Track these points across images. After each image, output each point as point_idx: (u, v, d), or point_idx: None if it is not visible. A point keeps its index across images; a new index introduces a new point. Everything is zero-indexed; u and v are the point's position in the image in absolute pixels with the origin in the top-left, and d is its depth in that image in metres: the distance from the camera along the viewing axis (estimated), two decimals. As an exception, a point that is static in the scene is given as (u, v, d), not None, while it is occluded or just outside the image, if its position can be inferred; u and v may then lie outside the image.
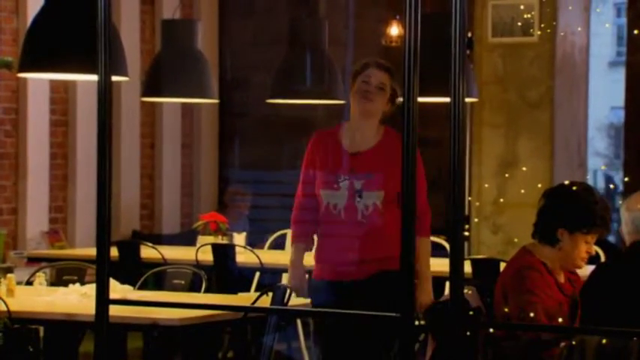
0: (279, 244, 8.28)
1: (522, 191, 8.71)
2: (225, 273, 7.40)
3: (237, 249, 7.56)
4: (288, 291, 4.80)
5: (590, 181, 11.54)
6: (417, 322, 4.29)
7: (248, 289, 7.28)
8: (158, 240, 8.86)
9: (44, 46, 5.26)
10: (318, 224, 4.73)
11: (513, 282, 4.34)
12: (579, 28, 8.96)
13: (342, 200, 4.65)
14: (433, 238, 7.58)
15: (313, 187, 4.73)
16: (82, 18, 5.09)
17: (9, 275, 5.65)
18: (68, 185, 9.38)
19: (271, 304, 5.01)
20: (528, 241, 4.49)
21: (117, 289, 5.41)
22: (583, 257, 4.41)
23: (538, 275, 4.33)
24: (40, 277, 5.90)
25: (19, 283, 5.85)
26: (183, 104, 10.10)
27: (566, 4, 8.89)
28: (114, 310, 3.33)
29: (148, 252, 7.59)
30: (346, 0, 10.10)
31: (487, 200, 9.01)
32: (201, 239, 7.82)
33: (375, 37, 9.42)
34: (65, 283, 5.85)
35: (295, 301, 4.95)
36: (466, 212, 8.88)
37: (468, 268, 6.55)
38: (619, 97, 9.34)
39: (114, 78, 5.09)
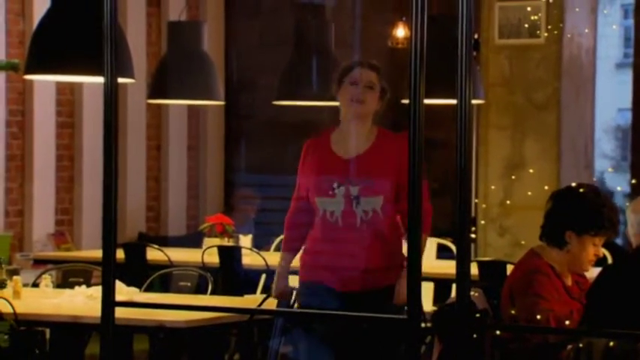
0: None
1: (529, 193, 8.69)
2: (231, 275, 7.40)
3: (244, 251, 7.56)
4: (294, 293, 4.77)
5: (596, 182, 11.52)
6: (423, 325, 4.27)
7: (254, 292, 7.28)
8: (164, 242, 8.86)
9: (50, 48, 5.26)
10: (314, 230, 4.62)
11: (521, 285, 4.33)
12: (586, 30, 8.95)
13: (338, 207, 4.53)
14: (440, 241, 7.60)
15: (306, 193, 4.64)
16: (88, 20, 5.10)
17: (15, 277, 5.65)
18: (74, 187, 9.38)
19: (277, 306, 5.01)
20: (535, 243, 4.48)
21: (123, 292, 5.41)
22: (591, 260, 4.41)
23: (546, 279, 4.32)
24: (46, 279, 5.90)
25: (25, 285, 5.85)
26: (190, 106, 10.10)
27: (573, 5, 8.87)
28: (120, 313, 3.33)
29: (154, 254, 7.59)
30: (352, 2, 10.10)
31: (494, 202, 9.00)
32: (208, 241, 7.82)
33: (381, 38, 9.41)
34: (71, 285, 5.85)
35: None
36: (473, 214, 8.88)
37: (474, 270, 6.54)
38: (626, 98, 9.33)
39: (120, 80, 5.08)
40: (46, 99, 9.11)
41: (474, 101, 3.03)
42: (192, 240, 8.79)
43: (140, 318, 5.00)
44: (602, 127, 13.76)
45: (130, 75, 5.41)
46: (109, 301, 3.23)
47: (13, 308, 5.07)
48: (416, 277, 2.97)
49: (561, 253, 4.38)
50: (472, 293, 4.33)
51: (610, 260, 6.75)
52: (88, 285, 5.81)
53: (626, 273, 4.30)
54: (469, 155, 2.92)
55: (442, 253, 7.58)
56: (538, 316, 4.21)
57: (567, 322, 4.25)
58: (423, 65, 2.92)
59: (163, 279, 6.50)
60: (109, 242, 3.23)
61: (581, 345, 3.89)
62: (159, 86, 7.57)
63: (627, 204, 4.47)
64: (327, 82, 7.92)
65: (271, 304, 5.13)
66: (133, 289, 5.61)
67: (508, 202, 8.90)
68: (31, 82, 8.73)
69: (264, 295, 5.52)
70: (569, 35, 8.83)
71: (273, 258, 7.46)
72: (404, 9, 7.71)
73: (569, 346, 4.00)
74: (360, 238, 4.52)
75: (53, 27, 5.28)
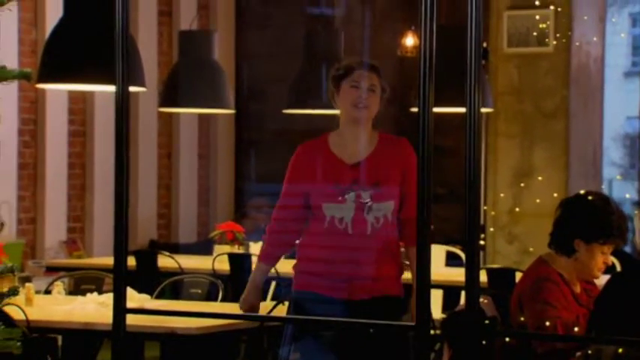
0: (294, 255, 8.26)
1: (538, 201, 8.68)
2: (241, 282, 7.38)
3: (254, 258, 7.55)
4: (289, 304, 4.62)
5: (605, 190, 11.50)
6: (432, 332, 4.25)
7: (264, 299, 7.27)
8: (175, 249, 8.87)
9: (63, 58, 5.28)
10: (312, 237, 4.42)
11: (530, 293, 4.32)
12: (595, 38, 8.94)
13: (348, 213, 4.33)
14: (449, 248, 7.59)
15: (302, 200, 4.42)
16: (100, 29, 5.11)
17: (27, 284, 5.66)
18: (86, 195, 9.40)
19: (287, 313, 5.00)
20: (544, 250, 4.47)
21: (134, 298, 5.42)
22: (600, 267, 4.39)
23: (554, 287, 4.31)
24: (59, 286, 5.91)
25: (37, 292, 5.86)
26: (200, 115, 10.11)
27: (581, 14, 8.87)
28: (131, 319, 3.33)
29: (165, 261, 7.59)
30: (362, 12, 10.11)
31: (503, 210, 8.98)
32: (218, 249, 7.82)
33: (390, 47, 9.42)
34: (83, 292, 5.86)
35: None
36: (482, 222, 8.87)
37: (483, 277, 6.52)
38: (634, 107, 9.32)
39: (131, 89, 5.11)
40: (58, 108, 9.13)
41: (482, 109, 3.03)
42: (203, 247, 8.79)
43: (151, 325, 5.00)
44: (610, 135, 13.73)
45: (142, 84, 5.42)
46: (120, 308, 3.23)
47: (25, 315, 5.07)
48: (425, 284, 2.96)
49: (570, 260, 4.37)
50: (481, 300, 4.32)
51: (619, 268, 6.73)
52: (100, 292, 5.82)
53: (634, 281, 4.29)
54: (478, 163, 2.92)
55: (451, 260, 7.57)
56: (547, 323, 4.20)
57: (576, 329, 4.24)
58: (432, 74, 2.92)
59: (174, 286, 6.50)
60: (120, 249, 3.24)
61: (590, 352, 3.88)
62: (170, 95, 7.58)
63: (635, 212, 4.47)
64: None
65: (281, 311, 5.12)
66: (144, 296, 5.62)
67: (517, 209, 8.89)
68: (43, 91, 8.75)
69: (274, 303, 5.52)
70: (577, 43, 8.82)
71: (283, 266, 7.45)
72: (413, 18, 7.71)
73: (578, 353, 3.99)
74: (371, 244, 4.36)
75: (65, 36, 5.29)
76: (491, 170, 9.03)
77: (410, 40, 9.30)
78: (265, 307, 5.80)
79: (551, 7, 8.76)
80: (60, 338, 5.63)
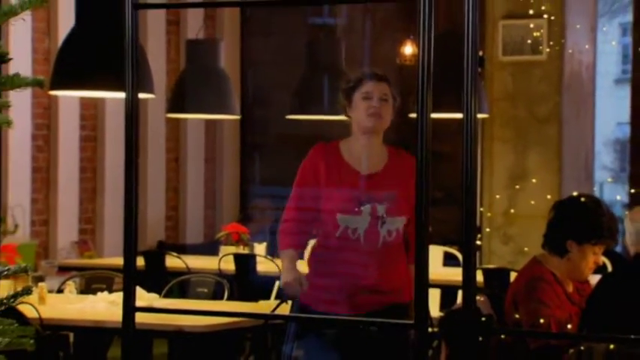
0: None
1: (532, 203, 8.67)
2: (246, 281, 7.40)
3: (258, 259, 7.56)
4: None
5: (596, 193, 11.49)
6: (430, 330, 4.23)
7: (268, 297, 7.27)
8: (182, 250, 8.87)
9: (74, 66, 5.28)
10: (328, 247, 4.19)
11: (524, 292, 4.32)
12: (586, 47, 8.94)
13: (363, 225, 4.14)
14: (446, 249, 7.58)
15: (312, 202, 4.21)
16: (111, 38, 5.12)
17: (40, 284, 5.66)
18: (97, 198, 9.40)
19: (290, 311, 4.99)
20: (538, 250, 4.47)
21: (143, 297, 5.41)
22: (591, 267, 4.39)
23: (548, 286, 4.31)
24: (70, 286, 5.91)
25: (50, 291, 5.86)
26: (207, 120, 10.12)
27: (573, 23, 8.86)
28: (140, 318, 3.33)
29: (172, 261, 7.59)
30: (362, 21, 10.11)
31: (498, 211, 8.98)
32: (224, 249, 7.82)
33: (390, 56, 9.42)
34: (94, 291, 5.86)
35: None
36: (478, 223, 8.86)
37: (479, 277, 6.52)
38: (625, 113, 9.31)
39: (141, 95, 5.11)
40: (70, 114, 9.14)
41: (479, 115, 3.03)
42: (209, 248, 8.79)
43: (160, 323, 4.99)
44: (601, 140, 13.72)
45: (150, 91, 5.42)
46: (129, 307, 3.23)
47: (38, 313, 5.07)
48: (422, 283, 2.96)
49: (562, 261, 4.37)
50: (478, 298, 4.32)
51: (610, 268, 6.72)
52: (110, 291, 5.82)
53: (625, 281, 4.28)
54: (474, 166, 2.92)
55: (448, 260, 7.56)
56: (541, 321, 4.20)
57: (569, 327, 4.24)
58: (429, 81, 2.92)
59: (182, 285, 6.50)
60: (129, 250, 3.23)
61: (582, 348, 3.88)
62: (177, 101, 7.58)
63: (626, 213, 4.45)
64: (338, 98, 7.94)
65: (285, 309, 5.11)
66: (153, 295, 5.61)
67: (512, 211, 8.89)
68: (55, 97, 8.76)
69: (278, 301, 5.51)
70: (570, 51, 8.82)
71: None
72: (412, 28, 7.72)
73: (571, 350, 3.99)
74: (381, 258, 4.15)
75: (77, 45, 5.29)
76: (487, 173, 9.03)
77: (409, 49, 9.30)
78: (269, 305, 5.79)
79: (545, 17, 8.76)
80: (72, 335, 5.62)
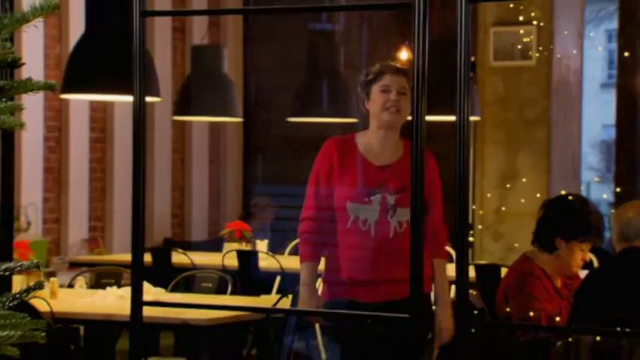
0: (298, 251, 8.26)
1: (522, 201, 8.67)
2: (249, 277, 7.40)
3: (260, 255, 7.56)
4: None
5: (583, 192, 11.49)
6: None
7: (270, 292, 7.27)
8: (188, 247, 8.87)
9: (84, 70, 5.28)
10: (340, 238, 4.00)
11: (515, 286, 4.32)
12: (574, 52, 8.94)
13: (373, 215, 3.95)
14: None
15: (331, 200, 4.00)
16: (119, 44, 5.11)
17: (52, 279, 5.66)
18: (106, 197, 9.40)
19: (291, 306, 5.00)
20: (528, 247, 4.47)
21: (150, 292, 5.41)
22: (578, 264, 4.40)
23: (537, 281, 4.31)
24: (81, 281, 5.91)
25: (61, 286, 5.86)
26: (211, 123, 10.11)
27: (561, 29, 8.87)
28: (147, 311, 3.32)
29: (178, 258, 7.59)
30: (360, 28, 10.10)
31: (490, 209, 8.98)
32: (227, 246, 7.82)
33: (386, 61, 9.41)
34: (103, 286, 5.86)
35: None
36: (470, 220, 8.86)
37: (471, 273, 6.51)
38: (610, 116, 9.31)
39: (148, 99, 5.11)
40: (80, 116, 9.13)
41: (471, 118, 3.03)
42: (213, 245, 8.79)
43: (166, 316, 4.99)
44: (588, 142, 13.73)
45: (157, 94, 5.42)
46: (137, 301, 3.23)
47: (50, 307, 5.07)
48: (417, 276, 2.96)
49: (551, 257, 4.37)
50: (470, 291, 4.32)
51: (596, 264, 6.73)
52: (119, 286, 5.81)
53: (611, 276, 4.28)
54: (467, 167, 2.92)
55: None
56: (531, 314, 4.20)
57: (557, 319, 4.24)
58: (424, 85, 2.92)
59: (187, 280, 6.50)
60: (137, 247, 3.23)
61: (570, 340, 3.88)
62: (183, 104, 7.58)
63: (612, 211, 4.45)
64: (337, 101, 7.95)
65: (285, 303, 5.12)
66: (160, 290, 5.61)
67: (503, 209, 8.88)
68: (67, 101, 8.75)
69: (279, 296, 5.51)
70: (558, 56, 8.82)
71: (287, 261, 7.45)
72: (407, 34, 7.72)
73: (559, 342, 3.99)
74: (392, 248, 3.95)
75: (87, 51, 5.29)
76: (479, 173, 9.03)
77: (404, 54, 9.29)
78: (270, 300, 5.79)
79: (534, 23, 8.76)
80: (82, 328, 5.62)
